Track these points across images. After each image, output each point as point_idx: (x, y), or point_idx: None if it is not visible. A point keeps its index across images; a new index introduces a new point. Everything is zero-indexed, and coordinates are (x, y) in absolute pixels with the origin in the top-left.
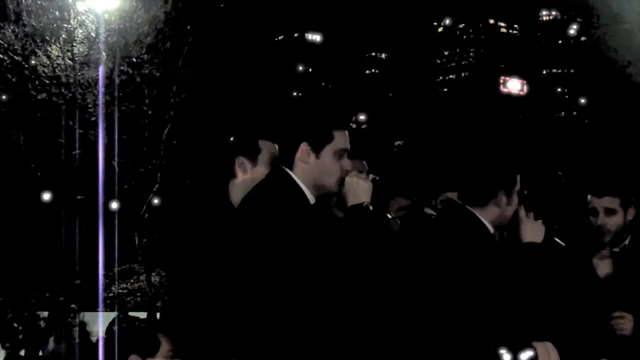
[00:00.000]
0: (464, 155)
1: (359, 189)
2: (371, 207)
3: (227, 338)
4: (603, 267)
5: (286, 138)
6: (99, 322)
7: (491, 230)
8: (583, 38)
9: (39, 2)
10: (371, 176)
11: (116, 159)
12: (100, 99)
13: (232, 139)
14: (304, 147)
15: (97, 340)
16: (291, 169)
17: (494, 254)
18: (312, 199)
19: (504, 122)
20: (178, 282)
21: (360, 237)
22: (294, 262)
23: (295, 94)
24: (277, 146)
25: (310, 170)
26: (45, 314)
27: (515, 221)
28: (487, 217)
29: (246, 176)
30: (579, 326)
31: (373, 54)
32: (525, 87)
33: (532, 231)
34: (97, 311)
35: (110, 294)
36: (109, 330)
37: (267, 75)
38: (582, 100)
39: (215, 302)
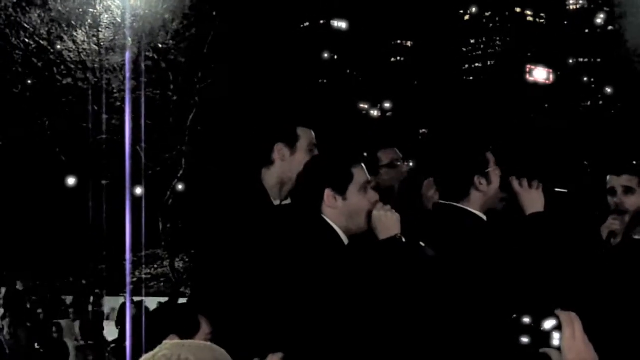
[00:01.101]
0: (437, 152)
1: (389, 222)
2: (404, 239)
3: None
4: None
5: (309, 189)
6: (127, 307)
7: (484, 218)
8: (610, 27)
9: None
10: (407, 164)
11: (142, 144)
12: (128, 85)
13: (268, 125)
14: (328, 193)
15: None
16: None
17: (494, 240)
18: (345, 239)
19: (529, 111)
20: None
21: (398, 270)
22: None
23: (321, 81)
24: (313, 133)
25: (341, 213)
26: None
27: (512, 194)
28: (474, 206)
29: (284, 163)
30: (594, 294)
31: (399, 41)
32: (551, 76)
33: (532, 200)
34: (120, 296)
35: (134, 279)
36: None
37: (293, 63)
38: (608, 90)
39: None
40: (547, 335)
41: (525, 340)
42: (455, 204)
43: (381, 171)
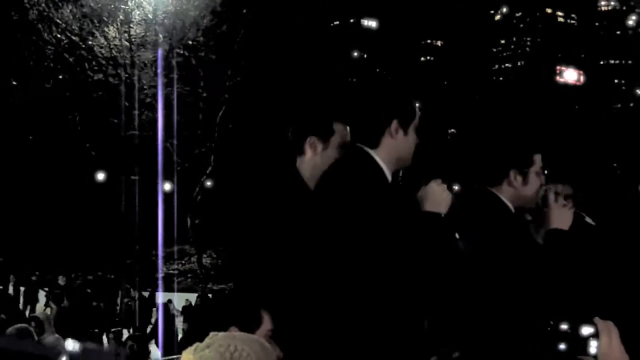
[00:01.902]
0: (480, 139)
1: (441, 199)
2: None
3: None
4: None
5: (375, 116)
6: (159, 301)
7: (511, 208)
8: None
9: None
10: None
11: (173, 140)
12: (160, 81)
13: (303, 117)
14: (395, 125)
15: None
16: (373, 148)
17: (516, 230)
18: (389, 178)
19: (560, 112)
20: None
21: (431, 245)
22: (370, 242)
23: (350, 79)
24: (349, 130)
25: (397, 146)
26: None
27: (544, 206)
28: (504, 195)
29: (315, 156)
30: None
31: (428, 41)
32: (581, 78)
33: (560, 217)
34: (148, 291)
35: (162, 275)
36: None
37: (324, 60)
38: (639, 92)
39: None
40: (585, 342)
41: (562, 346)
42: (488, 187)
43: None
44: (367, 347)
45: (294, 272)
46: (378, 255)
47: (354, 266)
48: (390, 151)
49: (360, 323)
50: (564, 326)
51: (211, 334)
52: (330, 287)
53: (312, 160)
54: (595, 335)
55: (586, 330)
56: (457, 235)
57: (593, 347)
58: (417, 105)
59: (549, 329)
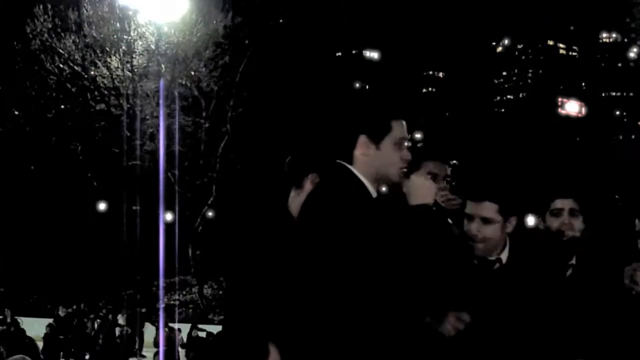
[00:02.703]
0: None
1: (425, 190)
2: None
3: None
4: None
5: (344, 132)
6: (160, 332)
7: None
8: None
9: (99, 13)
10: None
11: (174, 171)
12: (162, 111)
13: (303, 155)
14: (363, 139)
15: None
16: (350, 164)
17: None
18: (374, 193)
19: (561, 144)
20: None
21: (424, 236)
22: (359, 257)
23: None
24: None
25: (371, 162)
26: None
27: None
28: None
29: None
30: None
31: (430, 72)
32: (583, 109)
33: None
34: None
35: (162, 305)
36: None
37: (325, 92)
38: None
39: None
40: None
41: None
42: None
43: None
44: None
45: (292, 297)
46: (372, 269)
47: (350, 282)
48: (365, 166)
49: (363, 346)
50: None
51: None
52: (331, 307)
53: (306, 192)
54: None
55: None
56: (449, 221)
57: None
58: (392, 119)
59: None
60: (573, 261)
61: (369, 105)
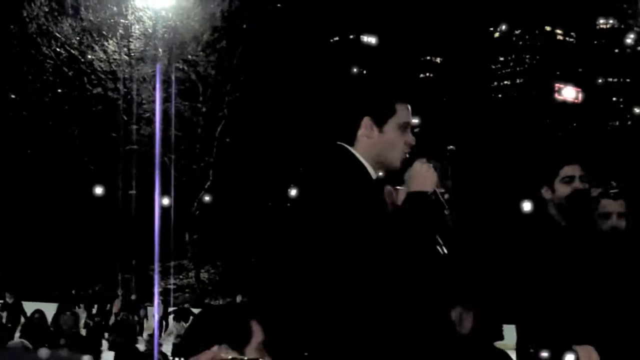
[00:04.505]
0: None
1: (426, 177)
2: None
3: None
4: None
5: (347, 113)
6: (155, 316)
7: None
8: None
9: None
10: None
11: (171, 155)
12: (158, 95)
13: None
14: (367, 121)
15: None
16: (351, 146)
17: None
18: (374, 175)
19: (558, 130)
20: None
21: (422, 224)
22: (359, 237)
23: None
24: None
25: (373, 144)
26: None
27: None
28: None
29: None
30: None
31: (428, 57)
32: (580, 95)
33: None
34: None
35: (159, 289)
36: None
37: (322, 76)
38: (637, 110)
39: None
40: None
41: None
42: None
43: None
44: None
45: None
46: (371, 250)
47: (348, 264)
48: (367, 149)
49: (362, 327)
50: (545, 354)
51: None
52: (328, 290)
53: None
54: None
55: (568, 358)
56: (446, 212)
57: None
58: (397, 102)
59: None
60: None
61: (374, 87)
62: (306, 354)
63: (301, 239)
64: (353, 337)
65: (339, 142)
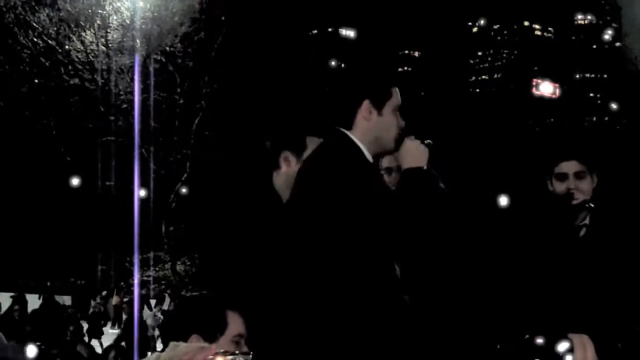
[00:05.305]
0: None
1: (418, 153)
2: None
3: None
4: None
5: (346, 97)
6: (135, 307)
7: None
8: (617, 44)
9: None
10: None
11: (148, 147)
12: (136, 86)
13: (277, 132)
14: (366, 104)
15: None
16: (349, 130)
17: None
18: (370, 158)
19: (535, 125)
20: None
21: (421, 199)
22: (356, 222)
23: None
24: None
25: (372, 127)
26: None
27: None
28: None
29: (289, 170)
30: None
31: (406, 51)
32: (557, 91)
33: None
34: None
35: (137, 281)
36: None
37: (300, 70)
38: (614, 106)
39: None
40: (560, 357)
41: None
42: None
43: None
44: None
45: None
46: (367, 236)
47: (343, 252)
48: (366, 132)
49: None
50: (540, 340)
51: (172, 344)
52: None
53: (286, 174)
54: (571, 350)
55: (562, 345)
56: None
57: None
58: (392, 86)
59: (524, 343)
60: (586, 221)
61: (373, 70)
62: (293, 349)
63: (301, 235)
64: (351, 335)
65: (335, 127)
